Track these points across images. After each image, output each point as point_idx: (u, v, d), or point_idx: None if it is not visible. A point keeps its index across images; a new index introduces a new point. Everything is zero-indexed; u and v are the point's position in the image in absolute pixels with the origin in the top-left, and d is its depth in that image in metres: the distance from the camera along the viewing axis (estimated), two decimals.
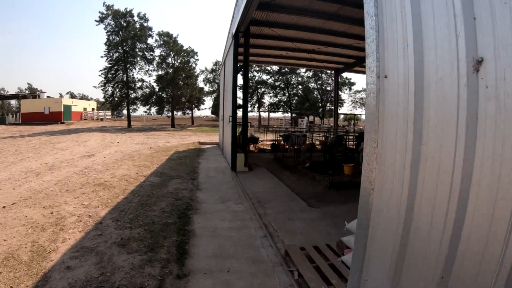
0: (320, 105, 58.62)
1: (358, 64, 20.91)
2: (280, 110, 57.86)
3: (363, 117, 57.69)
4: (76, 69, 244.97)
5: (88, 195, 8.01)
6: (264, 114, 52.45)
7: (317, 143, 18.81)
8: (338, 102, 25.84)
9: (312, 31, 14.73)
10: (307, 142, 15.42)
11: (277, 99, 58.36)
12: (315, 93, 59.47)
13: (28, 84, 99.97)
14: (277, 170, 12.24)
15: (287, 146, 15.66)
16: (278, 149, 16.63)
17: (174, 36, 47.62)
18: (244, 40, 11.88)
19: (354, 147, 15.14)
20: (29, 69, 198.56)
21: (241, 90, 12.79)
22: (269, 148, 18.28)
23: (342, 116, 44.41)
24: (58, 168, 11.69)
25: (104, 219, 6.24)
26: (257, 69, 55.42)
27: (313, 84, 58.79)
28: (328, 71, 55.05)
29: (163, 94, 48.11)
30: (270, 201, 7.65)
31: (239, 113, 13.04)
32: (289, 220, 6.36)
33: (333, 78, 55.62)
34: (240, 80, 12.57)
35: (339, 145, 13.90)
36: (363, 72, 25.31)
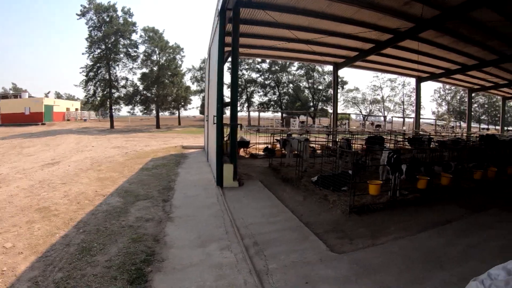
0: (311, 104, 56.96)
1: (360, 58, 18.82)
2: (270, 109, 56.01)
3: (353, 116, 57.93)
4: (64, 68, 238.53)
5: (19, 229, 5.86)
6: (253, 114, 50.49)
7: (318, 147, 16.51)
8: (334, 100, 23.62)
9: (312, 16, 12.63)
10: (310, 148, 13.16)
11: (267, 98, 56.68)
12: (306, 92, 57.79)
13: (13, 84, 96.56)
14: (275, 184, 9.98)
15: (284, 152, 13.40)
16: (273, 153, 14.34)
17: (160, 31, 45.65)
18: (233, 23, 9.66)
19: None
20: (15, 69, 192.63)
21: (229, 87, 10.51)
22: (262, 152, 15.92)
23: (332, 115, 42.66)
24: (8, 181, 9.77)
25: (17, 282, 4.09)
26: (246, 67, 53.51)
27: (304, 83, 57.16)
28: (320, 69, 53.73)
29: (147, 93, 46.03)
30: (272, 243, 5.35)
31: (227, 112, 10.78)
32: (306, 284, 4.09)
33: (325, 77, 55.65)
34: (228, 77, 10.28)
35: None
36: (366, 68, 23.41)
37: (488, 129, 53.95)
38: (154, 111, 47.75)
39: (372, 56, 18.49)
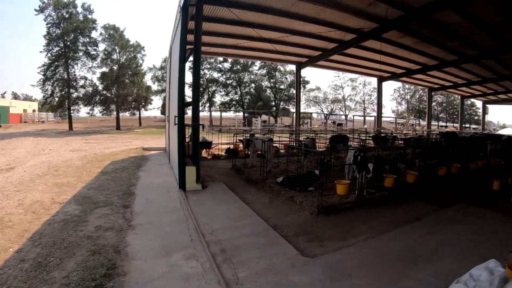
0: (273, 104, 57.34)
1: (324, 57, 19.03)
2: (232, 109, 55.75)
3: (314, 115, 59.09)
4: (22, 67, 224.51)
5: None
6: (215, 114, 50.04)
7: (281, 147, 16.49)
8: (297, 100, 23.75)
9: (277, 14, 12.55)
10: (273, 148, 13.06)
11: (229, 97, 56.36)
12: (268, 91, 58.12)
13: None
14: (240, 186, 9.70)
15: (247, 152, 13.21)
16: (236, 154, 14.11)
17: (120, 29, 44.04)
18: (196, 20, 9.27)
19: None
20: None
21: (190, 87, 10.11)
22: (225, 153, 15.64)
23: (294, 115, 43.25)
24: None
25: None
26: (208, 66, 52.93)
27: (266, 83, 57.44)
28: (282, 68, 54.20)
29: (107, 93, 44.15)
30: (240, 249, 5.07)
31: (188, 112, 10.41)
32: None
33: (286, 77, 56.26)
34: (189, 77, 9.88)
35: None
36: (329, 67, 23.75)
37: (446, 126, 57.00)
38: (114, 112, 45.84)
39: (335, 55, 18.81)
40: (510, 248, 4.98)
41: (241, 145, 14.25)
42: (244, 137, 14.27)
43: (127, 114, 53.55)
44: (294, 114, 42.01)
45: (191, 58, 11.36)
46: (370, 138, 16.93)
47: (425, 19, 12.58)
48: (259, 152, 12.48)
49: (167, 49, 16.68)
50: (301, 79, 51.08)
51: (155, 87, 55.92)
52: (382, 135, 18.18)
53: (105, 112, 46.55)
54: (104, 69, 43.45)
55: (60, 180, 9.92)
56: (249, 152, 12.84)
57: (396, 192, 8.73)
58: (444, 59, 19.63)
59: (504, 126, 59.38)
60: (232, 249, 5.03)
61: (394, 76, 26.05)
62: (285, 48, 17.59)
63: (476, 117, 67.96)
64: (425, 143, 14.51)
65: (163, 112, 54.48)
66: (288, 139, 16.27)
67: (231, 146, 16.20)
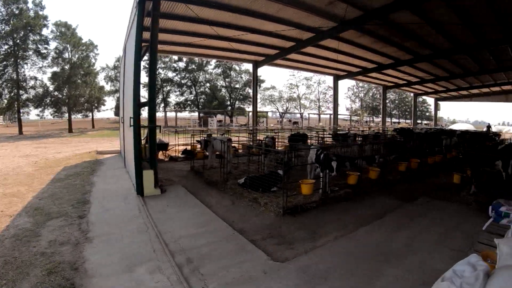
0: (228, 103, 57.14)
1: (281, 56, 19.13)
2: (187, 109, 54.75)
3: (269, 114, 59.62)
4: None
5: None
6: (170, 115, 48.83)
7: (239, 147, 16.30)
8: (251, 99, 23.72)
9: (236, 12, 12.42)
10: (232, 148, 12.85)
11: (184, 97, 55.21)
12: (223, 91, 57.84)
13: None
14: (200, 188, 9.36)
15: (206, 153, 12.88)
16: (194, 155, 13.72)
17: (72, 27, 41.73)
18: (152, 16, 8.79)
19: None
20: None
21: (145, 87, 9.56)
22: (182, 155, 15.22)
23: (250, 114, 43.45)
24: None
25: None
26: (163, 66, 51.54)
27: (221, 82, 57.05)
28: (238, 68, 54.14)
29: (59, 94, 41.78)
30: (207, 258, 4.78)
31: (143, 113, 9.89)
32: None
33: (242, 76, 56.28)
34: (144, 76, 9.35)
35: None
36: (286, 66, 23.91)
37: (399, 122, 59.57)
38: (66, 114, 43.44)
39: (293, 54, 18.98)
40: (477, 239, 5.18)
41: (198, 146, 13.91)
42: (202, 137, 13.94)
43: (79, 116, 50.89)
44: (251, 113, 42.53)
45: (146, 57, 10.86)
46: (330, 136, 17.19)
47: (383, 19, 13.03)
48: (218, 153, 12.25)
49: (120, 48, 15.98)
50: (257, 78, 51.52)
51: (108, 87, 53.63)
52: (343, 132, 18.55)
53: (56, 114, 43.97)
54: (55, 69, 41.15)
55: (9, 190, 8.98)
56: (208, 153, 12.53)
57: (360, 189, 8.91)
58: (399, 58, 20.52)
59: (454, 122, 63.22)
60: (199, 259, 4.73)
61: (350, 75, 26.85)
62: (242, 47, 17.50)
63: (427, 113, 72.01)
64: (383, 140, 14.94)
65: (117, 114, 52.49)
66: (246, 139, 16.15)
67: (188, 147, 15.80)
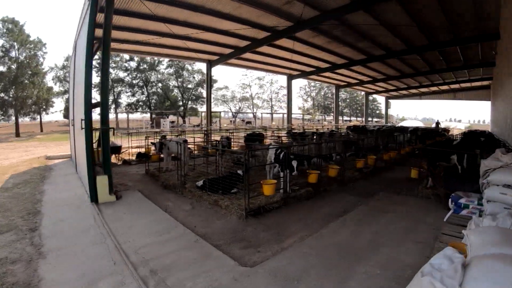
0: (181, 103, 56.24)
1: (235, 55, 19.03)
2: (139, 110, 53.08)
3: (222, 114, 59.44)
4: None
5: None
6: (121, 116, 47.10)
7: (195, 148, 15.94)
8: (204, 99, 23.40)
9: (191, 9, 12.16)
10: (188, 149, 12.53)
11: (135, 98, 53.41)
12: (176, 91, 56.83)
13: None
14: (157, 193, 8.94)
15: (161, 155, 12.44)
16: (147, 157, 13.21)
17: (20, 23, 39.05)
18: (105, 12, 8.12)
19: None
20: None
21: (95, 87, 8.92)
22: (136, 158, 14.63)
23: (203, 114, 43.09)
24: None
25: None
26: (114, 65, 49.48)
27: (173, 82, 55.94)
28: (190, 67, 53.51)
29: (5, 96, 39.15)
30: (172, 268, 4.47)
31: (95, 115, 9.31)
32: None
33: (194, 76, 55.61)
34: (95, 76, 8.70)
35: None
36: (240, 66, 23.86)
37: (350, 120, 61.48)
38: (12, 117, 40.53)
39: (247, 53, 18.96)
40: (440, 230, 5.39)
41: (153, 149, 13.42)
42: (156, 139, 13.49)
43: (27, 119, 47.87)
44: (204, 113, 42.10)
45: (96, 57, 10.25)
46: (287, 135, 17.30)
47: (339, 19, 13.37)
48: (174, 155, 11.91)
49: (70, 47, 15.04)
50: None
51: (57, 88, 50.63)
52: (299, 131, 18.76)
53: (2, 117, 41.11)
54: (1, 68, 38.43)
55: None
56: (163, 156, 12.12)
57: (320, 187, 9.01)
58: (353, 58, 21.23)
59: (403, 119, 66.34)
60: (164, 269, 4.42)
61: (303, 74, 27.33)
62: (196, 46, 17.20)
63: (377, 111, 74.92)
64: (344, 138, 15.29)
65: (66, 116, 49.56)
66: (202, 140, 15.85)
67: (142, 150, 15.25)
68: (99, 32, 8.45)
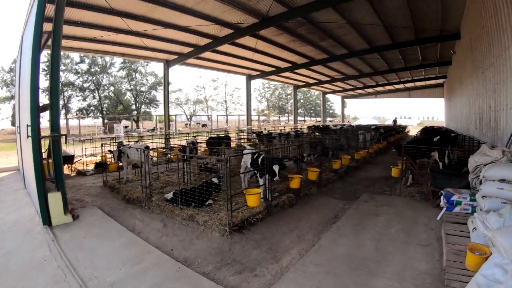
0: (134, 107, 53.92)
1: (194, 54, 17.96)
2: (90, 115, 49.75)
3: (176, 117, 57.91)
4: None
5: None
6: (72, 122, 43.74)
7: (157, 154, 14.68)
8: (158, 102, 22.03)
9: (151, 2, 11.02)
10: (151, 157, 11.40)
11: (86, 103, 49.93)
12: (128, 94, 54.38)
13: None
14: (120, 209, 7.73)
15: (120, 164, 11.13)
16: (105, 166, 11.77)
17: None
18: (57, 3, 6.81)
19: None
20: None
21: (44, 92, 7.44)
22: (92, 168, 13.09)
23: (157, 117, 41.61)
24: None
25: None
26: (63, 68, 45.79)
27: (126, 85, 53.38)
28: (143, 70, 51.65)
29: None
30: None
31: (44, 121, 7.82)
32: None
33: (147, 78, 53.54)
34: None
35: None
36: (198, 66, 22.89)
37: (305, 121, 62.03)
38: None
39: (207, 53, 17.95)
40: (438, 230, 5.60)
41: (110, 157, 12.03)
42: (113, 146, 12.14)
43: None
44: (158, 117, 40.56)
45: (45, 59, 8.78)
46: (255, 137, 16.62)
47: (306, 17, 12.90)
48: (134, 163, 10.74)
49: (16, 48, 13.21)
50: (163, 80, 49.52)
51: (3, 93, 46.36)
52: (265, 133, 18.11)
53: None
54: None
55: None
56: (123, 164, 10.82)
57: (300, 191, 8.43)
58: (314, 58, 20.99)
59: (355, 118, 67.90)
60: None
61: (263, 75, 26.76)
62: (154, 44, 15.95)
63: (331, 111, 76.01)
64: (306, 139, 14.92)
65: (14, 123, 45.65)
66: (162, 145, 14.71)
67: (97, 159, 13.83)
68: (49, 27, 7.10)
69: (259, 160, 7.85)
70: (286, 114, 73.00)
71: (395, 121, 37.68)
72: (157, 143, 13.82)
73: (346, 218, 6.61)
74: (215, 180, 7.63)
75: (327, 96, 45.57)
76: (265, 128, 28.50)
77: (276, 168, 7.38)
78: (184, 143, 14.41)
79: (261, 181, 7.79)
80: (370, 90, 40.96)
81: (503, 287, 2.46)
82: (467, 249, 4.06)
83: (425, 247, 5.10)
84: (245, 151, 8.96)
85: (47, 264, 4.77)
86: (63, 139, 7.81)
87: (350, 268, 4.45)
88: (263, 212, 6.82)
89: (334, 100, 68.97)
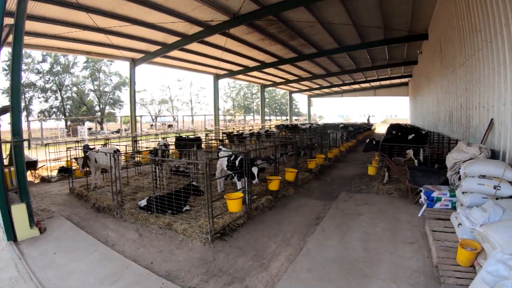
0: (98, 109, 52.00)
1: (162, 53, 17.38)
2: (52, 117, 47.12)
3: (138, 118, 56.46)
4: None
5: None
6: (34, 125, 41.07)
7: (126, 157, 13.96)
8: (131, 101, 21.03)
9: None
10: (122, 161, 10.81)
11: (48, 104, 47.27)
12: (92, 95, 52.34)
13: None
14: (90, 218, 7.14)
15: (88, 169, 10.39)
16: (70, 172, 10.89)
17: None
18: None
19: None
20: None
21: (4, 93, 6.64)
22: (56, 174, 12.20)
23: (122, 119, 40.35)
24: None
25: None
26: (25, 67, 42.91)
27: (89, 85, 51.32)
28: (107, 69, 50.12)
29: None
30: None
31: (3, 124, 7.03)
32: None
33: (111, 79, 51.75)
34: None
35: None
36: (165, 65, 22.21)
37: (270, 120, 62.14)
38: None
39: (175, 51, 17.40)
40: (422, 227, 5.68)
41: (75, 165, 11.23)
42: (78, 149, 11.36)
43: None
44: (122, 118, 39.10)
45: (5, 58, 7.95)
46: (226, 137, 16.29)
47: (278, 15, 12.78)
48: (103, 168, 10.08)
49: None
50: (128, 81, 48.01)
51: None
52: (235, 133, 17.77)
53: None
54: None
55: None
56: (91, 169, 10.10)
57: (278, 193, 8.26)
58: (283, 57, 20.95)
59: (321, 117, 68.78)
60: None
61: (231, 74, 26.44)
62: (121, 41, 15.17)
63: (296, 110, 76.56)
64: (279, 139, 14.81)
65: None
66: (130, 147, 14.05)
67: (61, 164, 12.99)
68: (9, 21, 6.41)
69: (237, 162, 7.56)
70: (252, 114, 72.82)
71: (368, 119, 38.58)
72: (125, 146, 13.07)
73: (329, 219, 6.49)
74: (195, 183, 7.27)
75: (293, 95, 45.74)
76: (233, 128, 28.08)
77: (255, 170, 7.10)
78: (153, 145, 13.86)
79: (239, 185, 7.51)
80: (336, 89, 41.62)
81: (509, 282, 2.49)
82: (458, 245, 4.08)
83: (412, 244, 5.07)
84: (221, 153, 8.60)
85: (16, 286, 4.23)
86: (26, 145, 7.12)
87: (343, 272, 4.30)
88: (243, 217, 6.55)
89: (300, 99, 69.47)
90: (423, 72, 19.46)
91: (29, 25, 11.65)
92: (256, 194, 7.87)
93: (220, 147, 9.56)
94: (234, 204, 6.17)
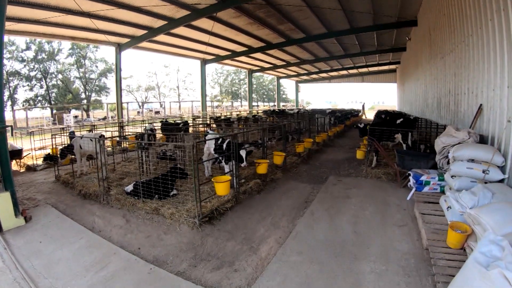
0: (83, 96, 50.90)
1: (148, 37, 16.93)
2: (38, 105, 45.77)
3: (125, 105, 55.65)
4: None
5: None
6: (19, 114, 39.79)
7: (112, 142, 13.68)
8: (117, 87, 20.59)
9: None
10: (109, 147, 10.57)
11: (33, 93, 45.77)
12: (77, 82, 51.12)
13: None
14: (76, 205, 6.93)
15: (73, 157, 10.14)
16: (56, 160, 10.61)
17: None
18: None
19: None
20: None
21: None
22: (42, 162, 11.89)
23: (108, 106, 39.67)
24: None
25: None
26: (8, 56, 41.38)
27: (75, 72, 50.00)
28: (93, 56, 48.90)
29: None
30: None
31: None
32: None
33: (97, 65, 50.52)
34: None
35: None
36: (152, 50, 21.69)
37: (258, 105, 61.90)
38: None
39: (162, 36, 16.99)
40: (411, 210, 5.68)
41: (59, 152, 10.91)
42: (63, 137, 11.06)
43: None
44: (109, 105, 38.36)
45: None
46: (214, 122, 16.20)
47: None
48: (89, 155, 9.83)
49: None
50: (113, 67, 46.93)
51: None
52: (224, 117, 17.66)
53: None
54: None
55: None
56: (76, 156, 9.84)
57: (267, 176, 8.17)
58: (271, 42, 20.62)
59: (309, 103, 68.71)
60: None
61: (218, 59, 26.07)
62: (106, 26, 14.67)
63: (284, 96, 76.32)
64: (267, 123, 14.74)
65: None
66: (117, 133, 13.80)
67: (47, 151, 12.63)
68: None
69: (224, 145, 7.44)
70: (239, 100, 72.25)
71: (363, 106, 38.60)
72: (111, 132, 12.78)
73: (318, 202, 6.43)
74: (180, 166, 7.13)
75: (281, 81, 45.47)
76: (221, 114, 27.79)
77: (243, 153, 7.00)
78: (139, 130, 13.64)
79: (226, 168, 7.38)
80: (324, 75, 41.41)
81: (503, 263, 2.55)
82: (448, 227, 4.07)
83: (402, 227, 5.05)
84: (208, 136, 8.46)
85: (1, 277, 4.05)
86: (8, 132, 6.84)
87: (333, 254, 4.26)
88: (231, 201, 6.46)
89: (287, 85, 69.08)
90: (412, 59, 19.40)
91: (11, 10, 11.15)
92: (244, 177, 7.80)
93: (208, 130, 9.45)
94: (222, 187, 6.02)
